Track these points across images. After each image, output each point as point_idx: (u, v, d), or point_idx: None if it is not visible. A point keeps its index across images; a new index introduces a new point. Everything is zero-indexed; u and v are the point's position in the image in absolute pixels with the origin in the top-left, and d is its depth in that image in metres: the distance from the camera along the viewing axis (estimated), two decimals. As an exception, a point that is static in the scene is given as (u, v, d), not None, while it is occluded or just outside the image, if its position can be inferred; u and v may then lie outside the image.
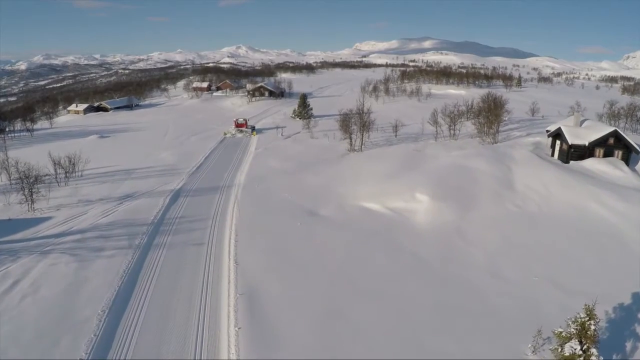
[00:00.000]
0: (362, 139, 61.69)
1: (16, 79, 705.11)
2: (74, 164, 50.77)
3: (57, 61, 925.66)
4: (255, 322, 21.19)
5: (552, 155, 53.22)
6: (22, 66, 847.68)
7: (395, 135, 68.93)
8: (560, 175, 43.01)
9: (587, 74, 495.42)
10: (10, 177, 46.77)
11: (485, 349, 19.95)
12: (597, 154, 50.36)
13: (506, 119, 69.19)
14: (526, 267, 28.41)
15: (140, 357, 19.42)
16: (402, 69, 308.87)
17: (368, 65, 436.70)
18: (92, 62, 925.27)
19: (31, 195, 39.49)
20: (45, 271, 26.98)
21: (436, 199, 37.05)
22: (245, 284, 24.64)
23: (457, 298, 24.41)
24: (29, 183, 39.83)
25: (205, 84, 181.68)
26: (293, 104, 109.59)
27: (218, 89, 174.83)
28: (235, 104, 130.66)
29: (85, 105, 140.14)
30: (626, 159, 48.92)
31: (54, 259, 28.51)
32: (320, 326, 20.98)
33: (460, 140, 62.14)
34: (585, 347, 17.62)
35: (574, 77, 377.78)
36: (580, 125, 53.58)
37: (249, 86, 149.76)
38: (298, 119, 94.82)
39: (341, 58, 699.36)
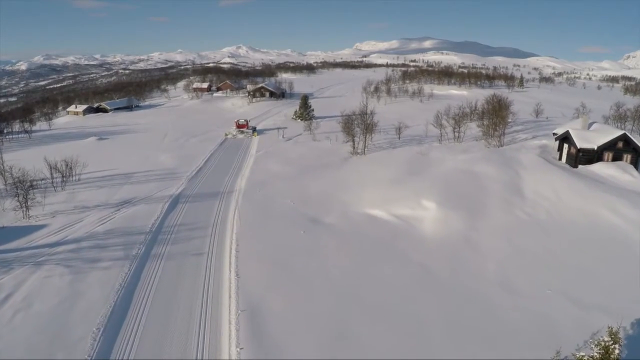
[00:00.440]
0: (365, 141, 60.54)
1: (16, 79, 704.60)
2: (71, 168, 49.65)
3: (57, 61, 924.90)
4: (258, 342, 20.08)
5: (560, 159, 52.07)
6: (23, 66, 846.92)
7: (399, 138, 67.80)
8: (569, 181, 41.88)
9: (588, 74, 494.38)
10: (5, 182, 45.68)
11: (502, 372, 18.86)
12: (605, 157, 49.25)
13: (510, 121, 68.05)
14: (539, 279, 27.30)
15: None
16: (403, 69, 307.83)
17: (369, 65, 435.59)
18: (93, 62, 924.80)
19: (26, 201, 38.38)
20: (39, 284, 25.89)
21: (443, 206, 35.90)
22: (246, 299, 23.52)
23: (469, 314, 23.31)
24: (23, 189, 38.70)
25: (205, 85, 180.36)
26: (294, 105, 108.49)
27: (218, 89, 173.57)
28: (236, 104, 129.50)
29: (84, 107, 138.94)
30: (635, 163, 47.80)
31: (48, 271, 27.41)
32: (326, 347, 19.85)
33: (465, 143, 60.98)
34: (609, 373, 16.50)
35: (575, 77, 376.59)
36: (588, 128, 52.49)
37: (250, 87, 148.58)
38: (299, 120, 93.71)
39: (342, 58, 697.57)
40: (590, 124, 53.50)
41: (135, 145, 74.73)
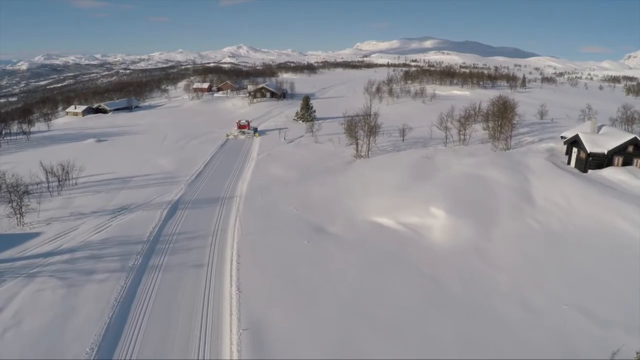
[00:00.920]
0: (369, 144, 59.24)
1: (17, 79, 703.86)
2: (67, 172, 48.40)
3: (58, 61, 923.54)
4: (260, 365, 18.85)
5: (569, 163, 50.83)
6: (23, 66, 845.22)
7: (403, 140, 66.52)
8: (580, 187, 40.64)
9: (589, 74, 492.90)
10: None
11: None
12: (615, 162, 48.06)
13: (515, 122, 66.77)
14: (554, 293, 26.07)
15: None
16: (404, 69, 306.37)
17: (370, 65, 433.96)
18: (93, 62, 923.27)
19: (20, 208, 37.14)
20: (30, 299, 24.65)
21: (452, 214, 34.61)
22: (249, 316, 22.23)
23: (482, 331, 22.09)
24: (17, 196, 37.44)
25: (205, 85, 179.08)
26: (295, 106, 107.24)
27: (219, 89, 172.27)
28: (236, 105, 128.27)
29: (83, 107, 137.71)
30: (645, 168, 46.55)
31: (41, 284, 26.17)
32: (334, 371, 18.62)
33: (471, 146, 59.71)
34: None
35: (576, 78, 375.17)
36: (597, 131, 51.24)
37: (250, 87, 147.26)
38: (301, 121, 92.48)
39: (342, 58, 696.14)
40: (599, 127, 52.26)
41: (134, 147, 73.50)
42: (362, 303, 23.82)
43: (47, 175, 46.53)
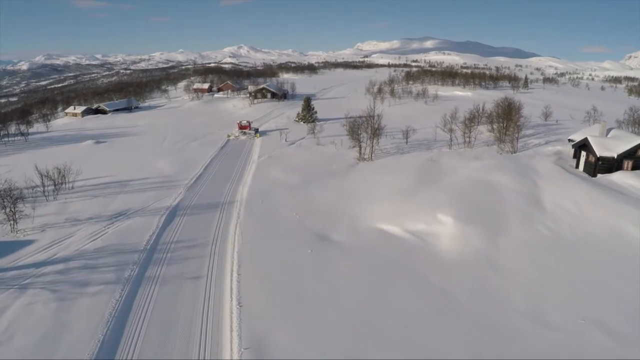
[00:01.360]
0: (372, 147, 58.02)
1: (18, 79, 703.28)
2: (64, 175, 47.24)
3: (58, 61, 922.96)
4: (262, 388, 17.68)
5: (577, 167, 49.61)
6: (24, 66, 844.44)
7: (406, 142, 65.32)
8: (590, 192, 39.42)
9: (590, 74, 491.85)
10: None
11: None
12: (625, 166, 46.86)
13: (520, 124, 65.53)
14: (569, 306, 24.87)
15: None
16: (405, 69, 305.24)
17: (370, 66, 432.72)
18: (94, 62, 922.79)
19: (14, 214, 35.97)
20: (21, 313, 23.51)
21: (461, 220, 33.40)
22: (250, 333, 21.05)
23: (494, 348, 20.98)
24: (10, 201, 36.27)
25: (206, 85, 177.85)
26: (296, 107, 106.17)
27: (219, 90, 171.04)
28: (237, 106, 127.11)
29: (83, 108, 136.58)
30: (655, 172, 45.34)
31: (32, 296, 25.03)
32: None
33: (477, 149, 58.48)
34: None
35: (578, 78, 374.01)
36: (606, 134, 50.04)
37: (251, 88, 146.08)
38: (302, 122, 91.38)
39: (343, 58, 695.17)
40: (608, 130, 51.06)
41: (133, 149, 72.32)
42: (368, 318, 22.64)
43: (42, 179, 45.32)
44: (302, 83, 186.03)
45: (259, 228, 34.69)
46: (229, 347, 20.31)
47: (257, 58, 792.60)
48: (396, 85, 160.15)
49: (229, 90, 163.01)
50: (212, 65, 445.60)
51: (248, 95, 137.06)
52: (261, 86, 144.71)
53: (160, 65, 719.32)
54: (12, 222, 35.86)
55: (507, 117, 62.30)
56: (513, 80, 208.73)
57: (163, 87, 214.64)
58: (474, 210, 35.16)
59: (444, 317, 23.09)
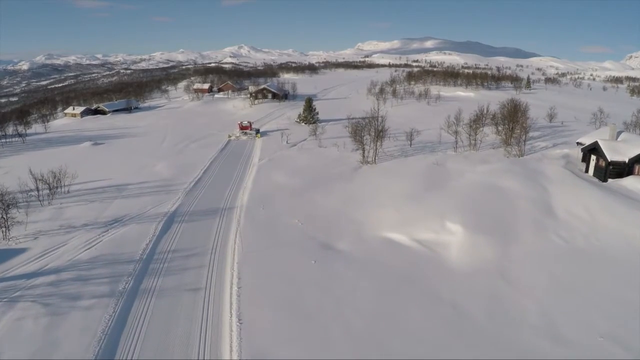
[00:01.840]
0: (375, 149, 56.68)
1: (18, 79, 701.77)
2: (59, 179, 45.94)
3: (59, 61, 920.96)
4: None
5: (587, 171, 48.28)
6: (24, 66, 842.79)
7: (410, 145, 63.97)
8: (602, 198, 38.06)
9: (591, 75, 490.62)
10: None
11: None
12: (636, 171, 45.52)
13: (526, 126, 64.19)
14: (587, 322, 23.52)
15: None
16: (405, 69, 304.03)
17: (371, 66, 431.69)
18: (94, 62, 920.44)
19: (6, 221, 34.68)
20: (10, 329, 22.16)
21: (471, 229, 32.03)
22: (251, 352, 19.75)
23: (513, 371, 19.64)
24: (2, 207, 34.96)
25: (206, 86, 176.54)
26: (297, 107, 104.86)
27: (219, 90, 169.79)
28: (237, 107, 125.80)
29: (82, 108, 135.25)
30: (667, 177, 43.99)
31: (22, 311, 23.70)
32: None
33: (483, 152, 57.13)
34: None
35: (579, 78, 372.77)
36: (617, 138, 48.72)
37: (252, 88, 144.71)
38: (303, 123, 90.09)
39: (343, 58, 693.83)
40: (618, 134, 49.74)
41: (131, 151, 71.03)
42: (376, 335, 21.30)
43: (37, 183, 44.01)
44: (302, 83, 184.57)
45: (260, 236, 33.37)
46: (228, 369, 19.01)
47: (257, 58, 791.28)
48: (398, 86, 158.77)
49: (230, 91, 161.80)
50: (213, 65, 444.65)
51: (249, 95, 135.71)
52: (262, 86, 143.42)
53: (161, 65, 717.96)
54: (4, 229, 34.56)
55: (513, 118, 60.99)
56: (515, 80, 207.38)
57: (163, 87, 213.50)
58: (483, 217, 33.82)
59: (458, 334, 21.74)
